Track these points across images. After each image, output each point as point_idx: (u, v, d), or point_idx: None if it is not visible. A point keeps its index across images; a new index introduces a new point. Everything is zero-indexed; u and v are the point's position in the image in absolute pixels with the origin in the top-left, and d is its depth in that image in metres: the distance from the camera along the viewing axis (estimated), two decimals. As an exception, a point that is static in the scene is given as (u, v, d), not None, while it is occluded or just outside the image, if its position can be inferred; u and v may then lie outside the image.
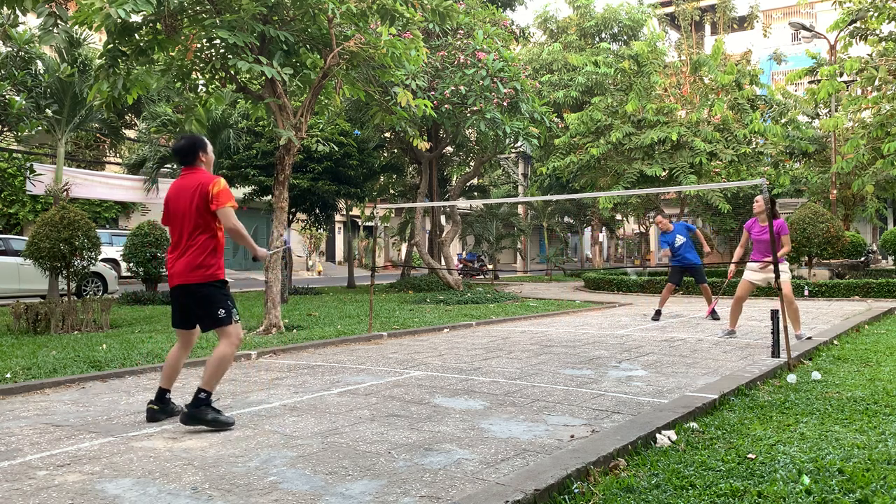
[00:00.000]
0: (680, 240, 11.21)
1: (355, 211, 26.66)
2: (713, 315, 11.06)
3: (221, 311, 4.60)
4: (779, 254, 7.28)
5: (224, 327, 4.62)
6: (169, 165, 21.50)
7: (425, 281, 19.02)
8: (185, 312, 4.73)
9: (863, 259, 20.24)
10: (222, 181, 4.68)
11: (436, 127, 19.06)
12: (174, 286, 4.70)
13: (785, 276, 7.69)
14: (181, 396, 5.17)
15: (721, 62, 19.64)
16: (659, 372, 6.42)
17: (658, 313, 11.14)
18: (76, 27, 8.55)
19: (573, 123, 19.46)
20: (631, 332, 9.58)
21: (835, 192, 20.41)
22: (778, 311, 6.82)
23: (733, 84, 19.13)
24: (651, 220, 38.06)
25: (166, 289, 15.84)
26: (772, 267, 7.28)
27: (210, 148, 4.90)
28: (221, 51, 9.24)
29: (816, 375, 5.96)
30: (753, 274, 8.21)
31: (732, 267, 9.18)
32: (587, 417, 4.71)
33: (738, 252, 8.92)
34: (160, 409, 4.74)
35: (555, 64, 25.49)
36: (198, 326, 4.80)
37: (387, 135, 20.21)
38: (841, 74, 16.77)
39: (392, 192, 24.80)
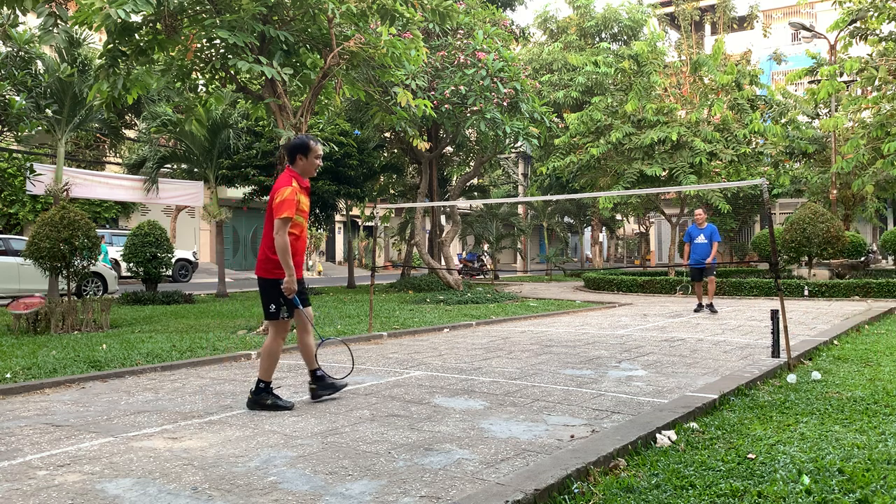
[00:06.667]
0: (702, 239, 12.27)
1: (355, 211, 26.65)
2: (711, 308, 12.10)
3: (272, 307, 5.02)
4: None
5: (272, 321, 5.06)
6: (169, 165, 21.46)
7: (425, 281, 19.01)
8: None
9: (863, 259, 20.22)
10: (287, 191, 4.85)
11: (436, 127, 19.06)
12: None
13: None
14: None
15: (721, 62, 19.63)
16: (659, 372, 6.42)
17: (709, 306, 12.26)
18: (76, 27, 8.56)
19: (573, 123, 19.45)
20: (631, 332, 9.58)
21: (835, 192, 20.40)
22: (778, 310, 6.83)
23: (733, 84, 19.13)
24: (651, 220, 38.05)
25: (166, 289, 15.94)
26: None
27: (315, 151, 5.04)
28: (221, 51, 9.24)
29: (816, 375, 5.96)
30: None
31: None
32: (587, 417, 4.71)
33: None
34: (318, 386, 5.29)
35: (555, 64, 25.50)
36: (310, 308, 5.28)
37: (387, 135, 20.21)
38: (841, 74, 16.76)
39: (392, 192, 24.79)
